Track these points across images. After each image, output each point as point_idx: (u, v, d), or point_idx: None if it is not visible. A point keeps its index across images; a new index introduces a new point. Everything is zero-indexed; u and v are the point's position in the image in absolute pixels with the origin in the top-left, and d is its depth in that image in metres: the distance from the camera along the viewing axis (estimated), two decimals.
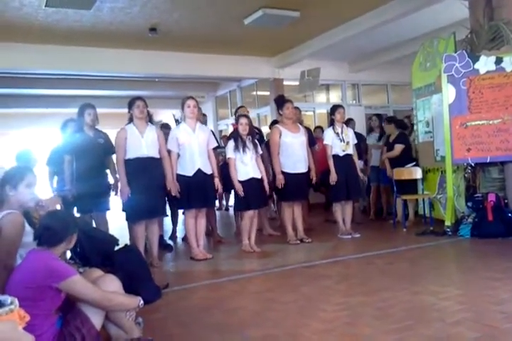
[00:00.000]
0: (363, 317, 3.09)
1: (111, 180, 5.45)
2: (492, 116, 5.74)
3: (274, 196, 6.79)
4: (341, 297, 3.55)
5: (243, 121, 5.59)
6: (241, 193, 5.47)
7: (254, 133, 5.88)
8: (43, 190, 4.77)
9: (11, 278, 2.38)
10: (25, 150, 5.67)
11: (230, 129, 8.51)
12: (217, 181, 5.39)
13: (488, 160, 5.80)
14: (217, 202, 9.34)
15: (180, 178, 5.21)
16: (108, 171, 5.43)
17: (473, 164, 6.03)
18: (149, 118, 5.64)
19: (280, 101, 6.19)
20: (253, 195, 5.54)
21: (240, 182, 5.50)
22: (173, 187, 5.12)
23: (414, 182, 7.01)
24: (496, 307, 3.11)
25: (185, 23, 7.54)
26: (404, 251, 5.22)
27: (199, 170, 5.24)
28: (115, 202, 5.38)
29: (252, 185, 5.54)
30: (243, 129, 5.57)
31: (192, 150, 5.24)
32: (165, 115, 12.90)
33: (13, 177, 2.85)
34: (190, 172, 5.22)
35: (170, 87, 12.14)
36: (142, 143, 4.98)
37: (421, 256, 4.95)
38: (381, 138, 7.69)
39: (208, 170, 5.33)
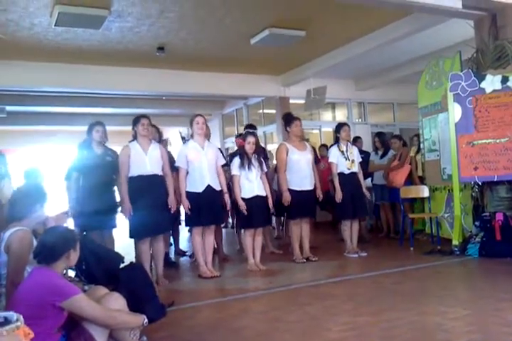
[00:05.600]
0: (370, 337, 3.04)
1: (118, 197, 5.46)
2: (499, 135, 5.72)
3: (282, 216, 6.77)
4: (347, 317, 3.51)
5: (251, 139, 5.60)
6: (244, 211, 5.46)
7: (261, 151, 5.89)
8: (57, 205, 4.77)
9: (15, 295, 2.37)
10: (33, 168, 5.70)
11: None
12: (226, 197, 5.39)
13: (495, 179, 5.76)
14: None
15: (190, 195, 5.21)
16: (116, 188, 5.44)
17: (480, 183, 6.00)
18: (159, 137, 5.73)
19: (288, 119, 6.21)
20: (257, 212, 5.52)
21: (245, 199, 5.50)
22: (174, 205, 5.13)
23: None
24: (505, 328, 3.07)
25: (193, 42, 7.64)
26: (411, 270, 5.17)
27: (209, 186, 5.25)
28: (122, 220, 5.38)
29: (256, 202, 5.53)
30: (250, 148, 5.58)
31: (201, 166, 5.25)
32: (172, 133, 12.98)
33: (44, 196, 2.93)
34: (199, 188, 5.22)
35: (177, 105, 12.22)
36: (146, 161, 5.00)
37: (428, 276, 4.89)
38: (384, 156, 7.68)
39: (218, 187, 5.33)
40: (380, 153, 7.80)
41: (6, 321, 1.86)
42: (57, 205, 5.55)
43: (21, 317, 1.91)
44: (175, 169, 5.40)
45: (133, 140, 5.15)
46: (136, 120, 5.11)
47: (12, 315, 1.90)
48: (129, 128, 5.25)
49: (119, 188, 5.15)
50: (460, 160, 5.88)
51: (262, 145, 7.94)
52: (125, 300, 2.63)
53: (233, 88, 9.84)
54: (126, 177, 4.98)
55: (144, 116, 5.18)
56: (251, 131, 6.12)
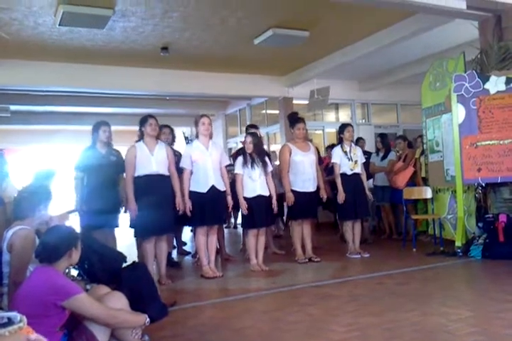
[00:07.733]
0: (373, 338, 3.03)
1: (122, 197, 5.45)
2: (503, 136, 5.71)
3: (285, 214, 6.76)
4: (350, 317, 3.50)
5: (247, 139, 5.62)
6: (245, 210, 5.46)
7: (263, 151, 5.88)
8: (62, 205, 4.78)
9: (17, 294, 2.37)
10: (46, 170, 5.51)
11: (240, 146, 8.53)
12: (229, 198, 5.38)
13: (499, 180, 5.75)
14: None
15: (194, 195, 5.19)
16: (119, 188, 5.44)
17: (483, 184, 5.98)
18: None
19: (293, 120, 6.19)
20: (259, 212, 5.51)
21: (247, 199, 5.49)
22: (182, 205, 5.13)
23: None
24: (508, 330, 3.05)
25: (196, 42, 7.64)
26: (414, 271, 5.15)
27: (213, 187, 5.24)
28: (124, 219, 5.38)
29: (258, 202, 5.52)
30: (247, 147, 5.60)
31: (205, 167, 5.24)
32: (175, 133, 12.96)
33: (48, 196, 2.94)
34: (204, 188, 5.21)
35: (180, 105, 12.25)
36: (152, 161, 5.00)
37: (431, 277, 4.88)
38: (385, 158, 7.65)
39: (222, 187, 5.32)
40: (381, 154, 7.77)
41: (10, 322, 1.85)
42: (63, 205, 5.54)
43: (25, 318, 1.90)
44: (180, 170, 5.40)
45: (139, 140, 5.14)
46: (144, 120, 5.09)
47: (16, 315, 1.89)
48: (132, 127, 5.25)
49: (125, 188, 5.15)
50: (463, 161, 5.87)
51: (265, 146, 7.93)
52: (127, 299, 2.63)
53: (237, 88, 9.85)
54: (132, 177, 4.97)
55: (151, 116, 5.17)
56: (252, 131, 6.15)
